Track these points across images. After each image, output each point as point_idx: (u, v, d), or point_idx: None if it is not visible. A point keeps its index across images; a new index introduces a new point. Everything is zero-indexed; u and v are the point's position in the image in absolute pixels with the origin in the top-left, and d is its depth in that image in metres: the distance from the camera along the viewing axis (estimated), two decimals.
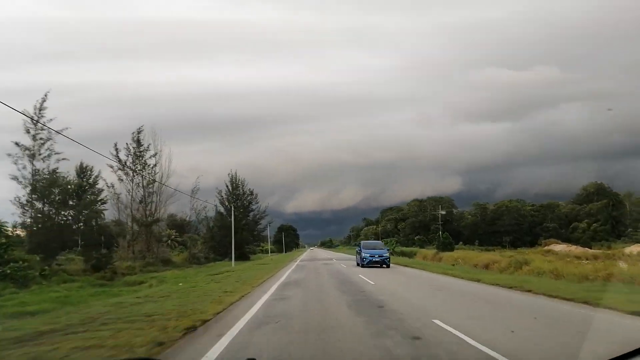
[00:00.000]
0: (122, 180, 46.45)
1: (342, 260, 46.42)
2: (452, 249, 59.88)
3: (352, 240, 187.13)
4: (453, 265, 38.10)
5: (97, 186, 43.67)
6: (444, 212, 76.81)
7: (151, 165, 48.77)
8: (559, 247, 70.50)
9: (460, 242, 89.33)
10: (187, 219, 78.76)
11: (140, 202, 46.39)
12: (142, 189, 47.16)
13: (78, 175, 42.37)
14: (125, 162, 46.08)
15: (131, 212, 46.20)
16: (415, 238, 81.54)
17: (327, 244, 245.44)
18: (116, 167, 46.10)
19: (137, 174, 46.94)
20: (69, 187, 38.59)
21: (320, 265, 37.07)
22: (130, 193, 46.37)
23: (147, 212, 49.36)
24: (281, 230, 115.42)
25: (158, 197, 48.19)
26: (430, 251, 63.08)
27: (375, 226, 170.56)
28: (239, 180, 77.93)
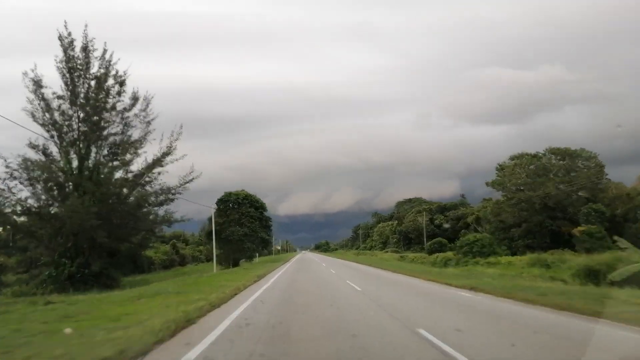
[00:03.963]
0: None
1: None
2: None
3: (359, 242, 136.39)
4: None
5: None
6: None
7: None
8: None
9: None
10: None
11: None
12: None
13: None
14: None
15: None
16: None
17: (323, 247, 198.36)
18: None
19: None
20: None
21: None
22: None
23: None
24: (223, 203, 47.63)
25: None
26: None
27: (393, 223, 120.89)
28: (87, 41, 27.49)
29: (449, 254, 48.95)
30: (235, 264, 47.60)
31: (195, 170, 30.60)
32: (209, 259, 48.51)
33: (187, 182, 29.32)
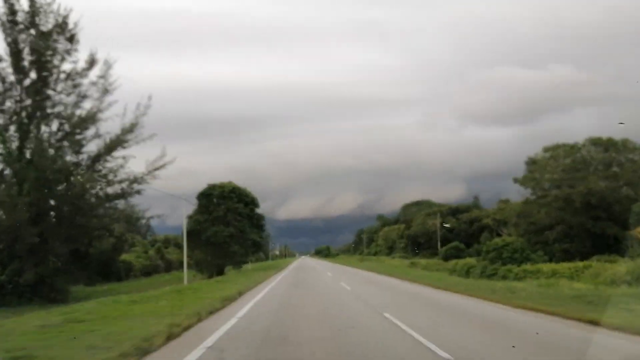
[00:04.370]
0: None
1: None
2: None
3: (363, 247, 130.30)
4: None
5: None
6: None
7: None
8: None
9: None
10: None
11: None
12: None
13: None
14: None
15: None
16: None
17: (324, 253, 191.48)
18: None
19: None
20: None
21: None
22: None
23: None
24: (205, 198, 40.04)
25: None
26: None
27: (400, 226, 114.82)
28: None
29: (470, 260, 42.77)
30: (220, 271, 40.91)
31: (167, 155, 24.68)
32: (196, 265, 42.02)
33: (157, 169, 23.32)
